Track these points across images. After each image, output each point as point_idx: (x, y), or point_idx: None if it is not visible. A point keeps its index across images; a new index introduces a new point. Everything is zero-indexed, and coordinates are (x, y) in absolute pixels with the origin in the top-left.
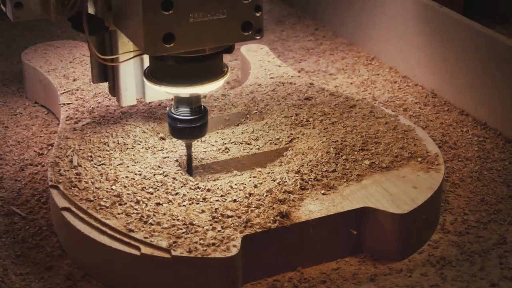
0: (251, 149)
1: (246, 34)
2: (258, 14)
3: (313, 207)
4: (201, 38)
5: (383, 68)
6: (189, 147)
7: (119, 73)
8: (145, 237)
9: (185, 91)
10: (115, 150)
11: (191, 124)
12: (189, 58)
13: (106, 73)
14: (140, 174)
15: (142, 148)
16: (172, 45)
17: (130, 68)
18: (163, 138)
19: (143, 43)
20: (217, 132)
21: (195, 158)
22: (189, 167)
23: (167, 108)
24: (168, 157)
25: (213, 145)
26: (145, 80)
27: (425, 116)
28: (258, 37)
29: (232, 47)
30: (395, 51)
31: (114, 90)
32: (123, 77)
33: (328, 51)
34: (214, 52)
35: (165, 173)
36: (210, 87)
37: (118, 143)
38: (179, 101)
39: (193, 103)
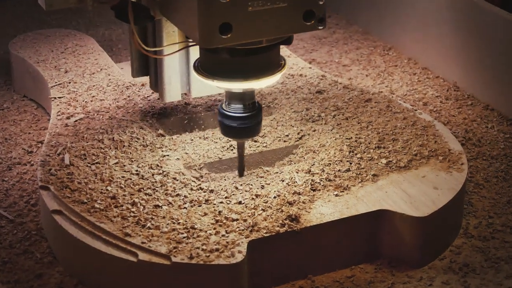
0: (258, 146)
1: (308, 24)
2: (321, 2)
3: (325, 210)
4: (260, 28)
5: (401, 59)
6: (241, 147)
7: (163, 66)
8: (142, 242)
9: (239, 86)
10: (110, 148)
11: (244, 122)
12: (245, 50)
13: (147, 66)
14: (138, 174)
15: (140, 145)
16: (229, 36)
17: (175, 60)
18: (162, 135)
19: (198, 34)
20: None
21: (198, 157)
22: (240, 168)
23: (219, 105)
24: (168, 155)
25: (216, 142)
26: (195, 73)
27: (446, 111)
28: (320, 28)
29: (291, 38)
30: (415, 41)
31: (157, 84)
32: (167, 71)
33: (342, 40)
34: (271, 44)
35: (164, 173)
36: (267, 81)
37: (113, 140)
38: (232, 97)
39: (247, 99)
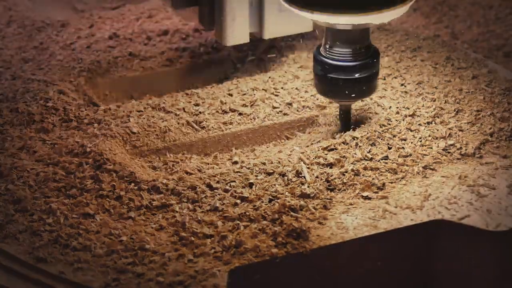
0: (245, 122)
1: None
2: None
3: (348, 221)
4: None
5: None
6: (347, 112)
7: None
8: (61, 272)
9: (350, 21)
10: (12, 124)
11: (354, 74)
12: None
13: None
14: (56, 165)
15: (59, 120)
16: None
17: None
18: (94, 104)
19: None
20: (187, 94)
21: (151, 137)
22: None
23: (314, 48)
24: (103, 135)
25: (177, 115)
26: (284, 3)
27: None
28: None
29: None
30: None
31: (212, 19)
32: (231, 2)
33: None
34: None
35: (97, 163)
36: (390, 14)
37: (18, 111)
38: (336, 37)
39: (359, 40)
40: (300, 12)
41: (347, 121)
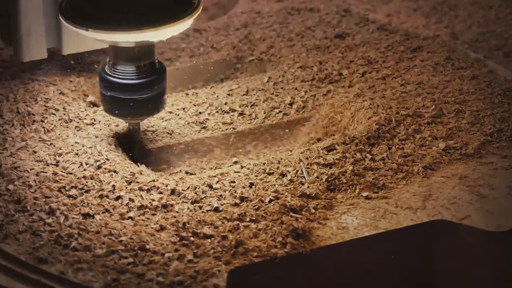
0: (245, 121)
1: None
2: None
3: (349, 221)
4: None
5: None
6: (135, 131)
7: (19, 6)
8: (62, 272)
9: (129, 38)
10: (13, 125)
11: (139, 92)
12: None
13: None
14: (57, 165)
15: (59, 120)
16: None
17: (37, 1)
18: (94, 104)
19: None
20: (187, 94)
21: (152, 137)
22: (137, 157)
23: (99, 67)
24: (101, 136)
25: (178, 115)
26: (61, 19)
27: None
28: None
29: None
30: None
31: (9, 35)
32: (25, 15)
33: None
34: None
35: (98, 163)
36: (170, 31)
37: (18, 112)
38: (119, 54)
39: (142, 57)
40: (76, 29)
41: (139, 141)
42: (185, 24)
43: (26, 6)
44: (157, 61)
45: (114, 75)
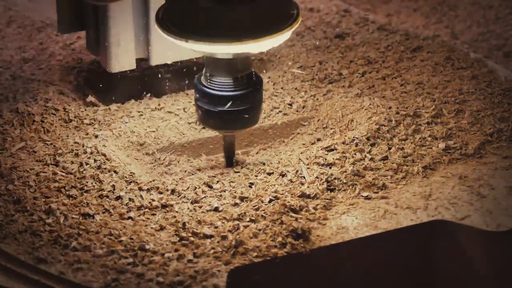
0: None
1: None
2: None
3: (348, 221)
4: None
5: None
6: (230, 143)
7: (108, 18)
8: (62, 273)
9: (229, 50)
10: (12, 125)
11: (233, 104)
12: None
13: (84, 17)
14: (57, 165)
15: (59, 120)
16: None
17: (127, 10)
18: (94, 104)
19: None
20: (187, 94)
21: (150, 138)
22: (229, 163)
23: (196, 78)
24: (102, 135)
25: (177, 115)
26: (158, 29)
27: None
28: None
29: None
30: None
31: (99, 46)
32: (115, 25)
33: None
34: None
35: (98, 163)
36: (270, 42)
37: (18, 112)
38: (215, 66)
39: (239, 69)
40: (175, 40)
41: (233, 150)
42: (284, 36)
43: (115, 16)
44: (254, 73)
45: (209, 86)
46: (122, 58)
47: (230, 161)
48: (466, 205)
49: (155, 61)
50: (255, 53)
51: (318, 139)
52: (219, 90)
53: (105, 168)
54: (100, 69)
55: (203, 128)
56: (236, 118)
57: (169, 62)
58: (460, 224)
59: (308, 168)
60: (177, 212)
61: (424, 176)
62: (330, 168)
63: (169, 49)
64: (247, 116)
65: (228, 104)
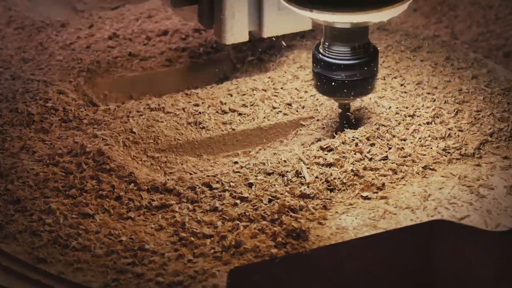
0: (243, 121)
1: None
2: None
3: (348, 221)
4: None
5: None
6: (345, 111)
7: None
8: (61, 272)
9: (352, 19)
10: (12, 125)
11: (350, 73)
12: None
13: None
14: (56, 165)
15: (59, 120)
16: None
17: None
18: (93, 104)
19: None
20: (187, 94)
21: (151, 138)
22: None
23: (314, 47)
24: (102, 135)
25: (177, 115)
26: (283, 2)
27: None
28: None
29: None
30: None
31: (213, 18)
32: None
33: None
34: None
35: (97, 163)
36: (391, 11)
37: (17, 112)
38: (334, 36)
39: (357, 39)
40: (299, 10)
41: (346, 120)
42: (403, 6)
43: None
44: (371, 43)
45: (328, 55)
46: (236, 30)
47: (342, 126)
48: (466, 205)
49: (267, 33)
50: (375, 22)
51: (318, 139)
52: (336, 59)
53: (105, 168)
54: (101, 69)
55: (202, 127)
56: (352, 87)
57: (280, 34)
58: (460, 224)
59: (307, 168)
60: (176, 212)
61: (423, 176)
62: (330, 168)
63: (281, 21)
64: (361, 86)
65: (345, 73)
